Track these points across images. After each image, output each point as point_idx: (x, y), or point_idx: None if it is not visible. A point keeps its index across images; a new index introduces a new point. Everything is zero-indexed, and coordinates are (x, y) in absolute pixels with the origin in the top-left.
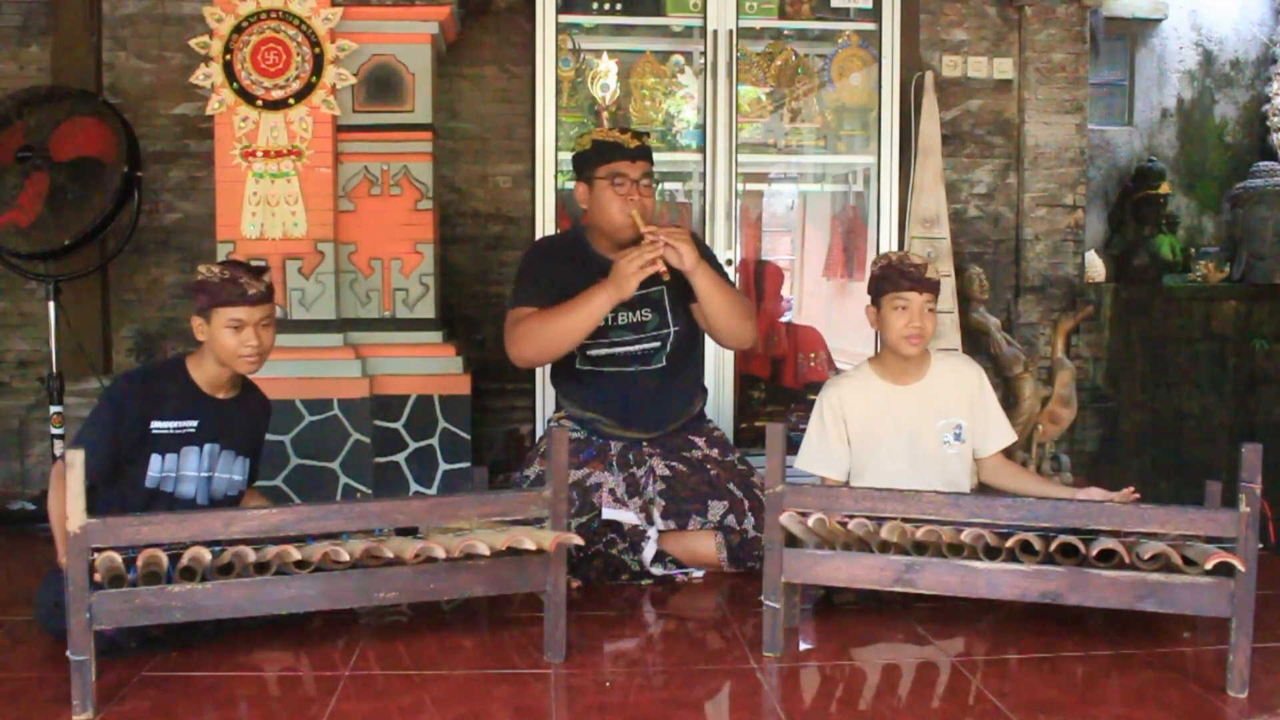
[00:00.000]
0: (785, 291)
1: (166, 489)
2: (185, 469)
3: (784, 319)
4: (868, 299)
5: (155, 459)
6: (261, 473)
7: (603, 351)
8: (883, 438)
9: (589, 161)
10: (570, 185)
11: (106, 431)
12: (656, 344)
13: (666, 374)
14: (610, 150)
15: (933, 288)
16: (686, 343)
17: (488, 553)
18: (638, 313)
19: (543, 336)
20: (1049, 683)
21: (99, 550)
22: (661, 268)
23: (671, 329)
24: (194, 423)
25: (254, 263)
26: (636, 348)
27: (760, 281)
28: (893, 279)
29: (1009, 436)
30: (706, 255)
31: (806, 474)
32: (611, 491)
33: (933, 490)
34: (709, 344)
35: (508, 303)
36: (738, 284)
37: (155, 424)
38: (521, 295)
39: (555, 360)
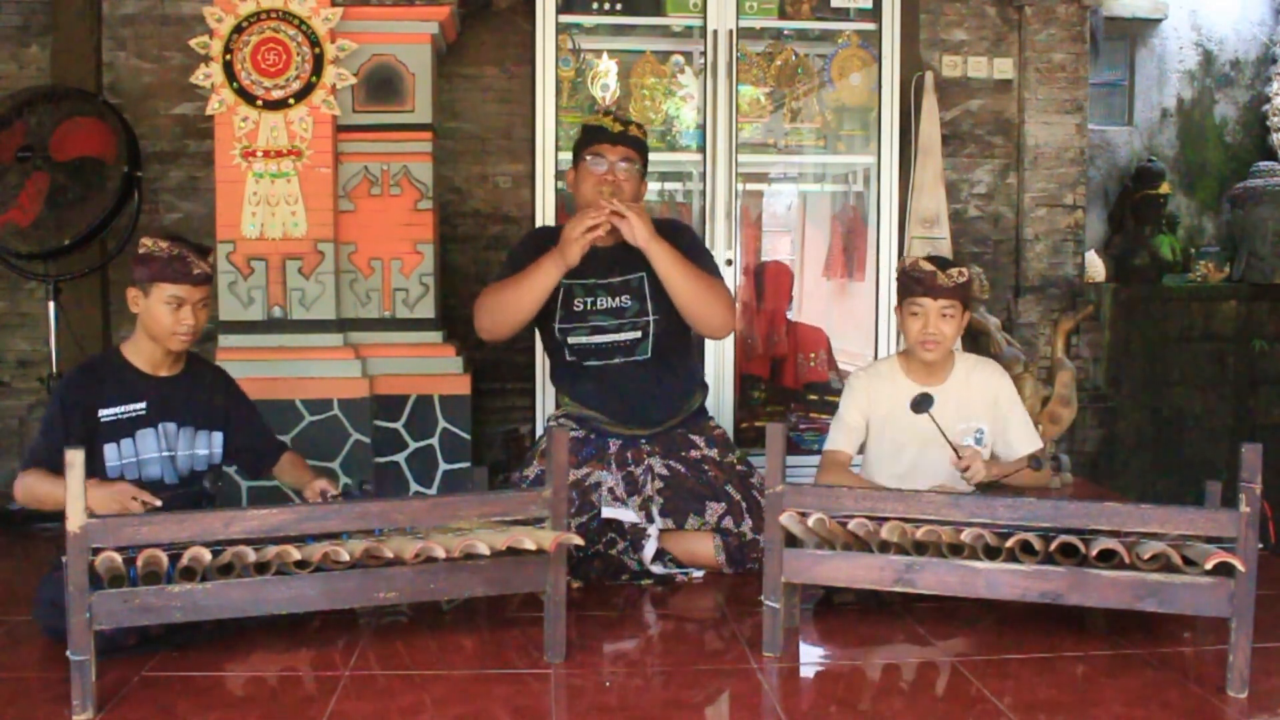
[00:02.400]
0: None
1: (130, 475)
2: (144, 452)
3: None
4: (873, 298)
5: (110, 449)
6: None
7: (583, 340)
8: (901, 433)
9: (578, 146)
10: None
11: (56, 430)
12: (637, 333)
13: (654, 366)
14: (594, 132)
15: (950, 293)
16: (670, 333)
17: (488, 553)
18: (618, 299)
19: (495, 306)
20: (1049, 683)
21: (99, 550)
22: (600, 233)
23: (651, 317)
24: (141, 405)
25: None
26: (617, 336)
27: (765, 281)
28: (907, 285)
29: (1035, 443)
30: (693, 246)
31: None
32: (610, 490)
33: (933, 490)
34: (709, 343)
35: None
36: (740, 282)
37: (103, 411)
38: (498, 274)
39: (513, 332)
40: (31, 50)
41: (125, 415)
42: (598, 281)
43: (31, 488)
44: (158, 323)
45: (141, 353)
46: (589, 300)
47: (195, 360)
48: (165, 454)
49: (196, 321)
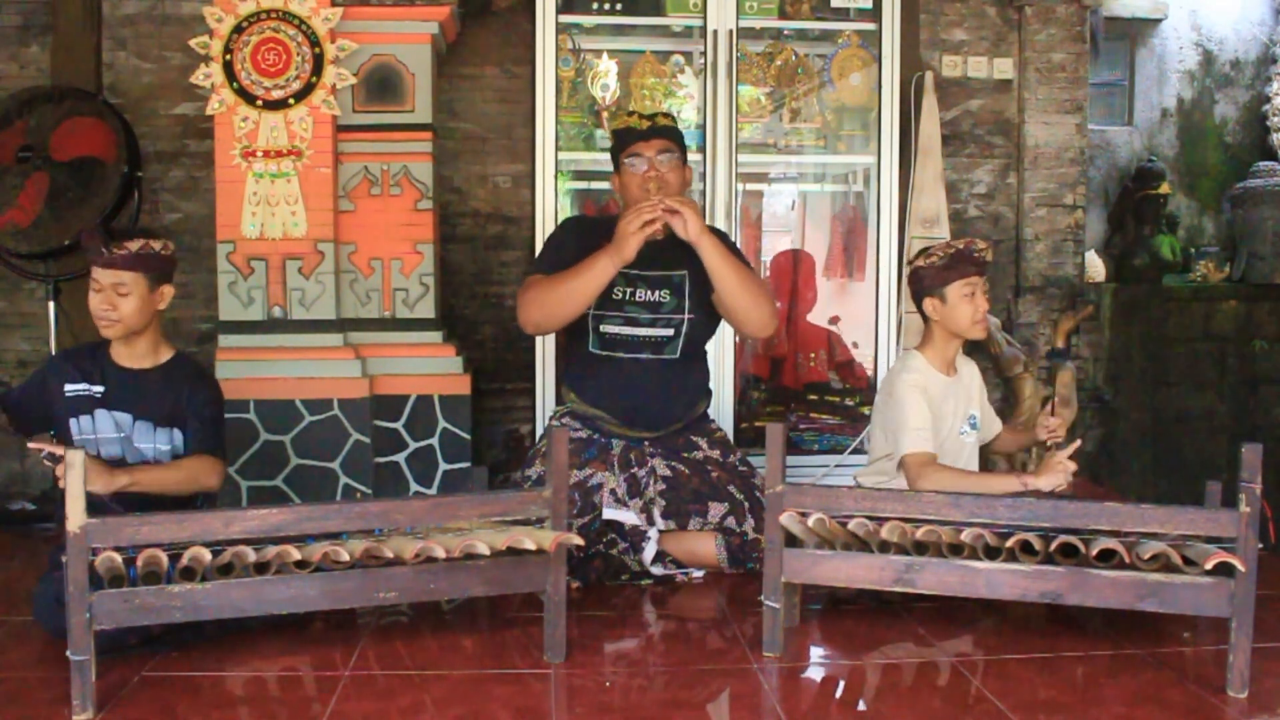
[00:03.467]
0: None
1: (91, 450)
2: (101, 431)
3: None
4: (873, 298)
5: (73, 423)
6: (258, 472)
7: (617, 330)
8: (938, 428)
9: (614, 151)
10: (569, 186)
11: (24, 385)
12: (670, 331)
13: (676, 367)
14: (624, 135)
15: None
16: (700, 335)
17: (488, 553)
18: (656, 293)
19: (547, 300)
20: (1049, 683)
21: (99, 550)
22: (658, 227)
23: (687, 316)
24: (100, 388)
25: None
26: (651, 331)
27: (797, 272)
28: (962, 267)
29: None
30: (731, 246)
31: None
32: (613, 492)
33: (932, 490)
34: (710, 343)
35: (528, 270)
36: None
37: (68, 386)
38: (540, 263)
39: (562, 325)
40: (31, 50)
41: (83, 394)
42: (639, 272)
43: None
44: (89, 305)
45: (117, 343)
46: (628, 290)
47: (178, 361)
48: (121, 434)
49: (115, 308)
